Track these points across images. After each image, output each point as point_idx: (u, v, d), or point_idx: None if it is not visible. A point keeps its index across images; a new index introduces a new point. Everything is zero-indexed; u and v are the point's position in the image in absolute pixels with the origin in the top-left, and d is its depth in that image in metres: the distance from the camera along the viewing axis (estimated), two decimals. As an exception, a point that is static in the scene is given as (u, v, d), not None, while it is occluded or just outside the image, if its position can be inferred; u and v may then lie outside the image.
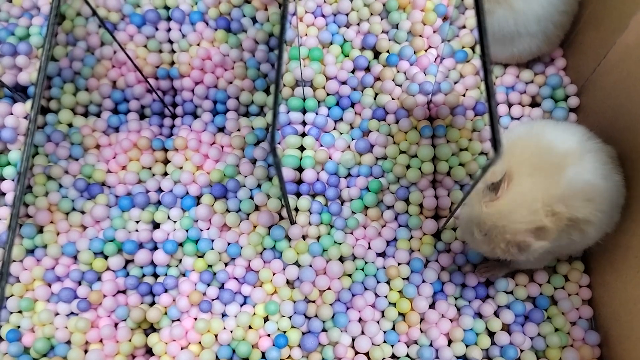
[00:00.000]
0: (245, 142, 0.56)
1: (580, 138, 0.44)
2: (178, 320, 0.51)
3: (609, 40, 0.50)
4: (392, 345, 0.51)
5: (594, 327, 0.52)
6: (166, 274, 0.53)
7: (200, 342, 0.50)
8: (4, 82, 0.56)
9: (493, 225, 0.41)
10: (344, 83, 0.59)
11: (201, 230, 0.53)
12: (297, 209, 0.54)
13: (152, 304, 0.53)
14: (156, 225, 0.55)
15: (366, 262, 0.53)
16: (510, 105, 0.58)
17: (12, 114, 0.56)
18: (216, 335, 0.50)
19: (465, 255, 0.53)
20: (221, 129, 0.58)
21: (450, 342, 0.51)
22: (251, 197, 0.54)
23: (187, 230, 0.53)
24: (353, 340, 0.51)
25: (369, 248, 0.53)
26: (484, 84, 0.33)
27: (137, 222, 0.54)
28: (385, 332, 0.51)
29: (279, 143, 0.56)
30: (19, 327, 0.51)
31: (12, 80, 0.57)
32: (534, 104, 0.59)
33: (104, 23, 0.44)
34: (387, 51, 0.59)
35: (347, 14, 0.60)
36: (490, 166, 0.35)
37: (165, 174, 0.57)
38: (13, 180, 0.54)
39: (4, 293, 0.31)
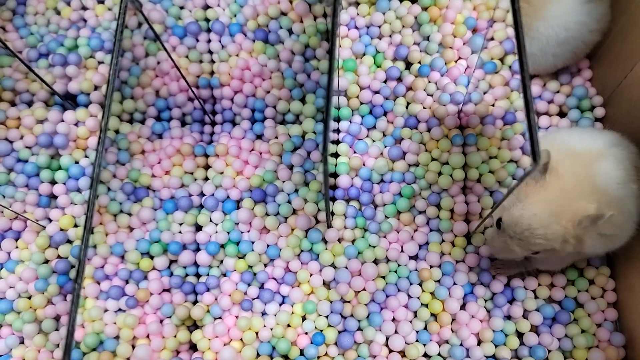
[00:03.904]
0: (283, 149, 0.58)
1: (605, 143, 0.46)
2: (220, 318, 0.54)
3: (635, 54, 0.52)
4: (425, 345, 0.53)
5: (619, 329, 0.54)
6: (208, 274, 0.56)
7: (241, 339, 0.53)
8: (55, 90, 0.59)
9: (557, 205, 0.43)
10: (376, 92, 0.61)
11: (242, 232, 0.56)
12: (332, 213, 0.57)
13: (195, 302, 0.56)
14: (199, 228, 0.57)
15: (399, 265, 0.55)
16: (538, 114, 0.60)
17: (63, 121, 0.59)
18: (257, 333, 0.53)
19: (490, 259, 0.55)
20: (259, 136, 0.61)
21: (480, 342, 0.53)
22: (289, 202, 0.56)
23: (228, 233, 0.56)
24: (387, 339, 0.53)
25: (402, 251, 0.56)
26: (523, 97, 0.35)
27: (181, 224, 0.57)
28: (417, 332, 0.53)
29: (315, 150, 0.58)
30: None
31: (62, 89, 0.60)
32: (561, 113, 0.61)
33: (159, 37, 0.47)
34: (419, 62, 0.61)
35: (379, 26, 0.63)
36: (528, 176, 0.37)
37: (207, 178, 0.59)
38: (64, 184, 0.58)
39: (80, 290, 0.34)
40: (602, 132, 0.51)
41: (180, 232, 0.57)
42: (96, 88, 0.61)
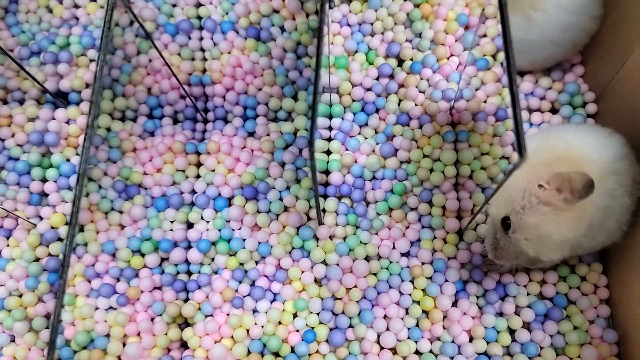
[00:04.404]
0: (275, 146, 0.58)
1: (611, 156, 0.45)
2: (211, 315, 0.54)
3: (627, 49, 0.51)
4: (416, 341, 0.53)
5: (612, 325, 0.54)
6: (199, 272, 0.56)
7: (232, 337, 0.53)
8: (46, 88, 0.59)
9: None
10: (369, 90, 0.61)
11: (233, 230, 0.56)
12: (324, 210, 0.57)
13: (186, 300, 0.55)
14: (190, 225, 0.57)
15: (391, 262, 0.55)
16: (530, 111, 0.60)
17: (54, 118, 0.59)
18: (248, 330, 0.53)
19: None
20: (251, 134, 0.61)
21: (472, 338, 0.53)
22: (280, 199, 0.56)
23: (219, 230, 0.56)
24: (378, 336, 0.53)
25: (394, 248, 0.55)
26: (509, 91, 0.35)
27: (172, 222, 0.57)
28: (409, 329, 0.53)
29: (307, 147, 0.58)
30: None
31: (54, 87, 0.60)
32: (553, 110, 0.61)
33: (150, 35, 0.47)
34: (411, 59, 0.61)
35: (371, 24, 0.62)
36: (514, 170, 0.37)
37: (198, 176, 0.59)
38: (55, 182, 0.58)
39: (66, 284, 0.34)
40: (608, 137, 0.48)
41: (171, 230, 0.56)
42: (87, 86, 0.61)
